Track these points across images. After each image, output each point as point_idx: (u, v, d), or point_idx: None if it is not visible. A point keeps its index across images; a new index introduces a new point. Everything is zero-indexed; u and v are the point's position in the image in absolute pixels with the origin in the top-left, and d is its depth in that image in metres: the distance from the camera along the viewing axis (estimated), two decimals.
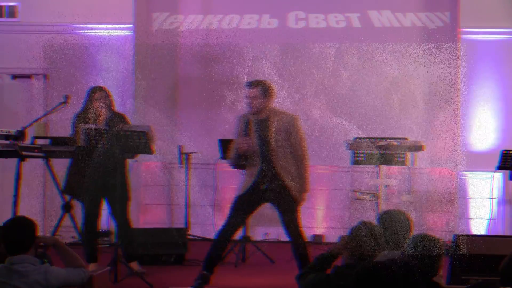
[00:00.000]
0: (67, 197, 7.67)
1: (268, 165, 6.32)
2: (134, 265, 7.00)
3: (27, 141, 7.57)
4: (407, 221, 4.78)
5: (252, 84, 6.45)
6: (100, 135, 6.70)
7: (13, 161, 7.47)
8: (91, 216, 6.97)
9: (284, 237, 8.94)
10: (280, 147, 6.33)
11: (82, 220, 7.09)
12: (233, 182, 8.29)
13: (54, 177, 7.89)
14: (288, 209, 6.38)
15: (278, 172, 6.32)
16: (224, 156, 7.71)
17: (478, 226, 9.19)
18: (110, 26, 9.69)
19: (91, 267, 6.59)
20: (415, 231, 4.67)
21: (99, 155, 6.78)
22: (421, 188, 9.03)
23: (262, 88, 6.39)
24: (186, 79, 9.57)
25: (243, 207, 6.39)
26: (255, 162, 6.35)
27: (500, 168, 8.18)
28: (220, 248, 6.47)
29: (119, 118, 6.98)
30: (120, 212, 6.99)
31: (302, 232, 6.45)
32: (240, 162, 6.47)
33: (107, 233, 8.54)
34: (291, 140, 6.36)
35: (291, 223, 6.38)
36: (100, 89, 7.09)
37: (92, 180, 6.89)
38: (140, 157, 7.93)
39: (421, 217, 8.89)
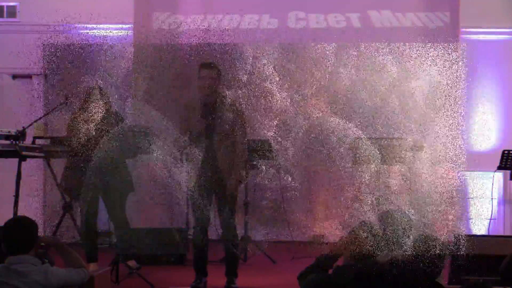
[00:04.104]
0: (67, 197, 7.67)
1: (212, 154, 6.41)
2: (132, 263, 7.02)
3: (27, 141, 7.56)
4: (407, 221, 4.78)
5: (209, 65, 6.62)
6: (100, 135, 6.72)
7: (13, 161, 7.47)
8: (90, 215, 6.97)
9: (285, 237, 8.99)
10: (224, 136, 6.44)
11: (80, 220, 7.09)
12: None
13: (54, 177, 7.88)
14: (224, 201, 6.47)
15: (219, 163, 6.41)
16: None
17: (478, 226, 9.18)
18: (110, 26, 9.68)
19: (91, 267, 6.59)
20: (415, 231, 4.67)
21: (99, 155, 6.78)
22: (421, 188, 9.01)
23: (218, 71, 6.61)
24: (186, 79, 9.55)
25: (200, 199, 6.43)
26: (201, 147, 6.44)
27: (500, 168, 8.18)
28: (200, 249, 6.51)
29: (118, 117, 6.99)
30: (117, 212, 7.00)
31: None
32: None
33: (107, 233, 8.53)
34: (234, 135, 6.47)
35: (224, 213, 6.49)
36: (99, 89, 7.10)
37: (90, 180, 6.89)
38: (140, 157, 7.93)
39: (421, 217, 8.87)
